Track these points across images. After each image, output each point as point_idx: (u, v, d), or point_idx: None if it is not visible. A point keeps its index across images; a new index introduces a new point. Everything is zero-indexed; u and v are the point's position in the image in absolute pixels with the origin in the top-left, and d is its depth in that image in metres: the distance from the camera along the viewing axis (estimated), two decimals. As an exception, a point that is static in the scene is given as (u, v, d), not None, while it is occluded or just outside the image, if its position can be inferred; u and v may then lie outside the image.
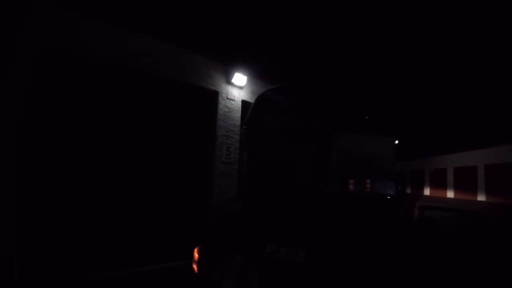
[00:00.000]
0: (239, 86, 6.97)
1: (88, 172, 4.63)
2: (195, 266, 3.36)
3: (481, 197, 23.91)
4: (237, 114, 6.93)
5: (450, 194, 28.30)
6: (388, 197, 8.42)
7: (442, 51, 7.50)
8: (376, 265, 0.69)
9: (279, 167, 0.78)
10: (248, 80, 7.10)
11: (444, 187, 29.26)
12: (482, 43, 6.97)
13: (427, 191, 32.35)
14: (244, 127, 0.90)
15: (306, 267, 0.71)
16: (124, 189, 5.03)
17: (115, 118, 4.99)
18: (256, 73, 7.23)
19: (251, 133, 0.87)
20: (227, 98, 6.73)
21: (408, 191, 34.36)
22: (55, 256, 4.19)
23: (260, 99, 0.89)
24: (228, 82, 6.76)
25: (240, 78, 6.85)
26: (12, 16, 3.83)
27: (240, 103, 7.02)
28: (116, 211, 4.89)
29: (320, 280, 0.68)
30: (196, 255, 3.37)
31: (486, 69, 8.92)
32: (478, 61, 8.23)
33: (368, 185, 12.12)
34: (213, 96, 6.57)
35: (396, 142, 18.44)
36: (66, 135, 4.44)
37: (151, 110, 5.47)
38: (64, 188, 4.38)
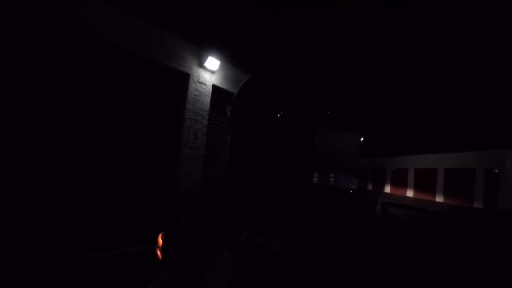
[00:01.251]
0: (211, 71, 6.84)
1: (52, 155, 4.42)
2: (159, 252, 3.31)
3: (439, 198, 25.08)
4: (207, 99, 6.81)
5: (410, 193, 29.36)
6: (351, 192, 8.59)
7: (410, 55, 7.66)
8: (350, 258, 0.71)
9: (263, 152, 0.79)
10: (221, 65, 6.98)
11: (405, 186, 30.32)
12: (447, 49, 7.15)
13: (388, 189, 33.37)
14: (230, 108, 0.88)
15: (281, 256, 0.72)
16: (86, 171, 4.83)
17: (78, 99, 4.74)
18: (230, 59, 7.14)
19: (236, 114, 0.85)
20: (198, 82, 6.59)
21: (370, 187, 35.31)
22: (15, 241, 4.02)
23: (249, 81, 0.88)
24: (201, 65, 6.61)
25: (213, 62, 6.72)
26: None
27: (210, 88, 6.90)
28: (78, 195, 4.70)
29: (295, 270, 0.69)
30: (160, 241, 3.31)
31: (453, 79, 9.20)
32: (445, 70, 8.45)
33: (332, 179, 12.34)
34: (184, 78, 6.41)
35: (362, 139, 18.75)
36: (26, 118, 4.20)
37: (116, 88, 5.23)
38: (28, 173, 4.18)
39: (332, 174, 12.36)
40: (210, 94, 6.89)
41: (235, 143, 0.84)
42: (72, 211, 4.64)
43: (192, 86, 6.49)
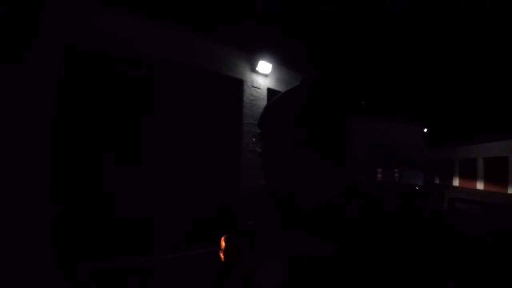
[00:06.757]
0: (264, 74, 6.89)
1: (118, 164, 4.74)
2: (221, 254, 3.35)
3: (512, 190, 22.97)
4: (263, 102, 6.84)
5: (479, 185, 27.26)
6: (417, 188, 8.19)
7: (470, 39, 7.22)
8: (404, 261, 0.69)
9: (287, 171, 0.82)
10: (273, 68, 7.01)
11: (474, 178, 28.20)
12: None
13: (456, 182, 31.37)
14: (256, 133, 0.92)
15: (330, 259, 0.71)
16: (152, 178, 5.10)
17: (142, 111, 5.06)
18: (281, 61, 7.13)
19: (263, 136, 0.89)
20: (253, 86, 6.66)
21: (437, 181, 33.59)
22: (87, 244, 4.32)
23: (270, 105, 0.90)
24: (253, 70, 6.69)
25: (265, 66, 6.77)
26: (32, 14, 3.83)
27: (265, 91, 6.95)
28: (145, 200, 4.97)
29: (344, 272, 0.68)
30: (223, 243, 3.35)
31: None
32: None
33: (397, 175, 11.89)
34: (239, 85, 6.53)
35: (425, 130, 17.91)
36: (93, 130, 4.54)
37: (177, 101, 5.50)
38: (96, 181, 4.50)
39: (396, 170, 11.90)
40: (265, 98, 6.94)
41: (265, 162, 0.87)
42: (140, 214, 4.92)
43: (247, 91, 6.58)
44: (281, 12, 5.37)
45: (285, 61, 7.23)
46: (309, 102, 0.82)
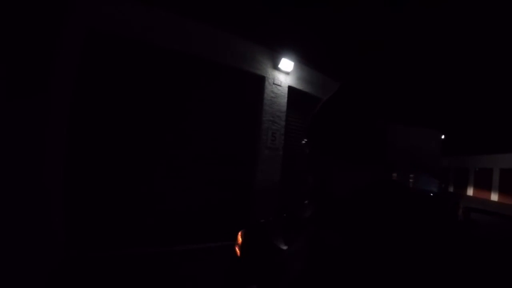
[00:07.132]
0: (285, 72, 6.89)
1: (135, 156, 4.83)
2: (237, 249, 3.35)
3: (528, 204, 22.40)
4: (283, 100, 6.87)
5: (494, 196, 26.73)
6: (431, 195, 8.08)
7: (493, 44, 7.11)
8: (420, 265, 0.71)
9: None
10: (295, 66, 6.99)
11: (489, 189, 27.68)
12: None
13: (470, 191, 30.83)
14: (305, 140, 0.95)
15: (343, 250, 0.75)
16: (169, 170, 5.19)
17: (162, 103, 5.12)
18: (303, 59, 7.11)
19: (308, 141, 0.93)
20: (274, 84, 6.67)
21: (450, 189, 32.98)
22: (100, 233, 4.45)
23: (315, 112, 0.94)
24: (275, 67, 6.69)
25: (287, 64, 6.76)
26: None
27: (286, 89, 6.94)
28: (158, 192, 5.06)
29: (356, 263, 0.72)
30: (240, 238, 3.36)
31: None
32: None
33: (411, 180, 11.77)
34: (260, 81, 6.54)
35: (443, 136, 17.59)
36: (113, 120, 4.63)
37: (196, 94, 5.55)
38: (112, 173, 4.62)
39: (411, 175, 11.79)
40: (286, 95, 6.94)
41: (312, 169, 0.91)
42: (157, 208, 5.04)
43: (268, 88, 6.59)
44: (304, 8, 5.38)
45: (307, 60, 7.20)
46: (348, 107, 0.85)
